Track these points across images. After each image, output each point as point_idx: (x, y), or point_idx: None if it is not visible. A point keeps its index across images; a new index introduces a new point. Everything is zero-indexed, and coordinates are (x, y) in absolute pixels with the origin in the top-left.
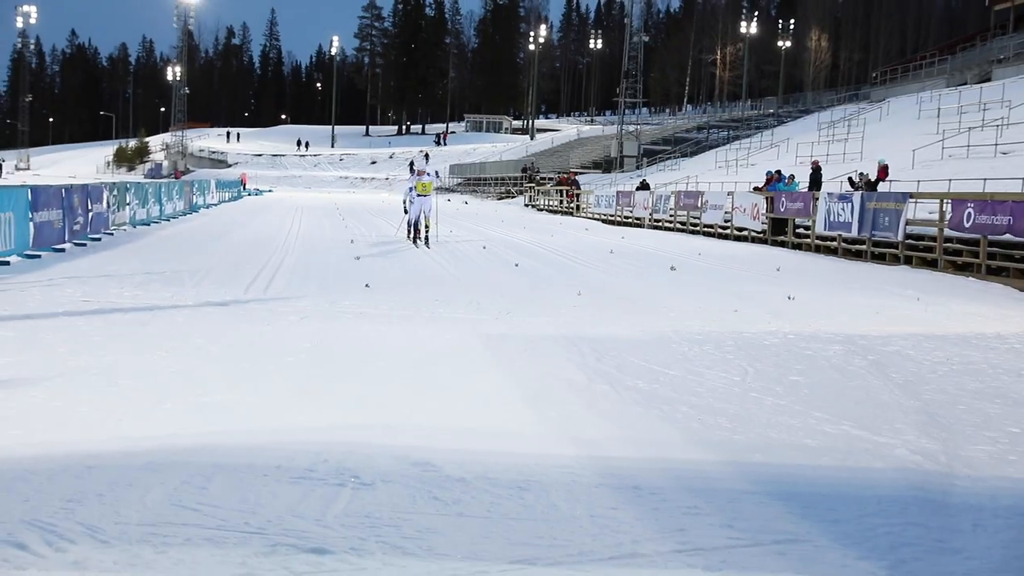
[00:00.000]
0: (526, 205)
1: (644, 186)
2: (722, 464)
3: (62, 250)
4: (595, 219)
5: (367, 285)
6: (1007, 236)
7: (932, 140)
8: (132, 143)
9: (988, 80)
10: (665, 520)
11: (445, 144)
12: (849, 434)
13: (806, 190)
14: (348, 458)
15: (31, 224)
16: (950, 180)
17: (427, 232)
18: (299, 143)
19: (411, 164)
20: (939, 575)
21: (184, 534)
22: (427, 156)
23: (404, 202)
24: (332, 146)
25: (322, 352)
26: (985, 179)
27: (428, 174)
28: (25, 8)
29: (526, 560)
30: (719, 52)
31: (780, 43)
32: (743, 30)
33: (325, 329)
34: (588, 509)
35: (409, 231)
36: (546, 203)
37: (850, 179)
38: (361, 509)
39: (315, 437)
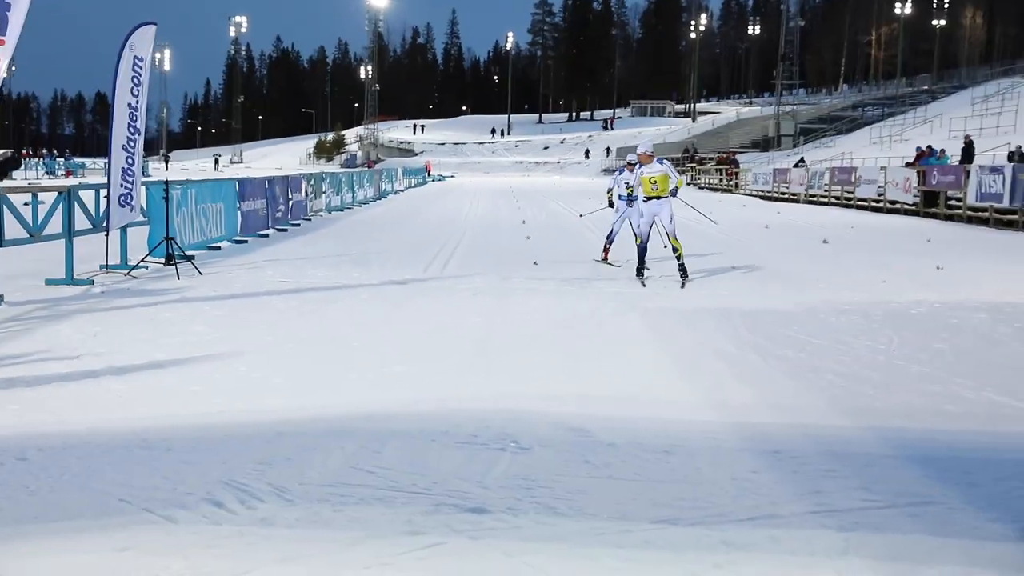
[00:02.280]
0: (688, 184)
1: (801, 163)
2: (862, 429)
3: (266, 235)
4: (753, 196)
5: (535, 263)
6: None
7: None
8: (330, 136)
9: None
10: (803, 483)
11: (612, 129)
12: (991, 400)
13: (958, 164)
14: (509, 424)
15: (239, 213)
16: None
17: (678, 257)
18: (493, 131)
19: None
20: None
21: (359, 494)
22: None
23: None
24: (509, 134)
25: (491, 325)
26: None
27: (658, 161)
28: (237, 18)
29: (668, 520)
30: (874, 32)
31: (934, 21)
32: (897, 10)
33: (495, 304)
34: (730, 472)
35: (607, 250)
36: (707, 181)
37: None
38: (519, 472)
39: (480, 405)
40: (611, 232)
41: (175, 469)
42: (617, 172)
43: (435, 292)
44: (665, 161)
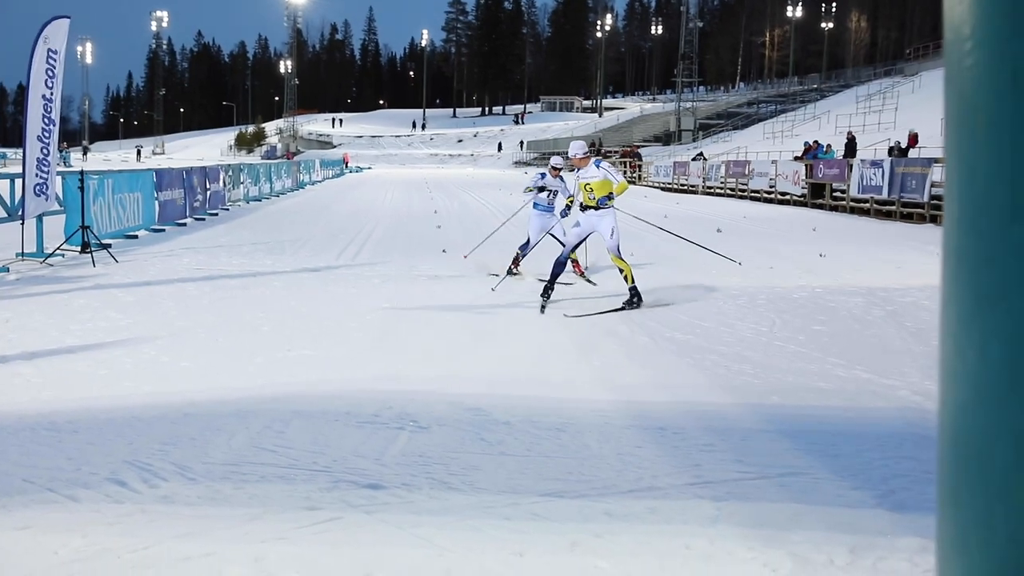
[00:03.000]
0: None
1: (700, 157)
2: (741, 406)
3: (183, 224)
4: (655, 187)
5: (444, 251)
6: None
7: None
8: (251, 129)
9: None
10: (683, 457)
11: (523, 123)
12: (859, 378)
13: (842, 158)
14: (410, 404)
15: (156, 202)
16: None
17: (625, 279)
18: (414, 124)
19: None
20: (923, 502)
21: (260, 472)
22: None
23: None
24: (423, 127)
25: (397, 310)
26: None
27: (595, 164)
28: (159, 13)
29: (555, 493)
30: (768, 34)
31: (823, 24)
32: (789, 13)
33: (402, 289)
34: (616, 448)
35: (517, 261)
36: None
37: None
38: (416, 450)
39: (383, 386)
40: (527, 241)
41: (80, 450)
42: (538, 176)
43: (346, 279)
44: (603, 163)
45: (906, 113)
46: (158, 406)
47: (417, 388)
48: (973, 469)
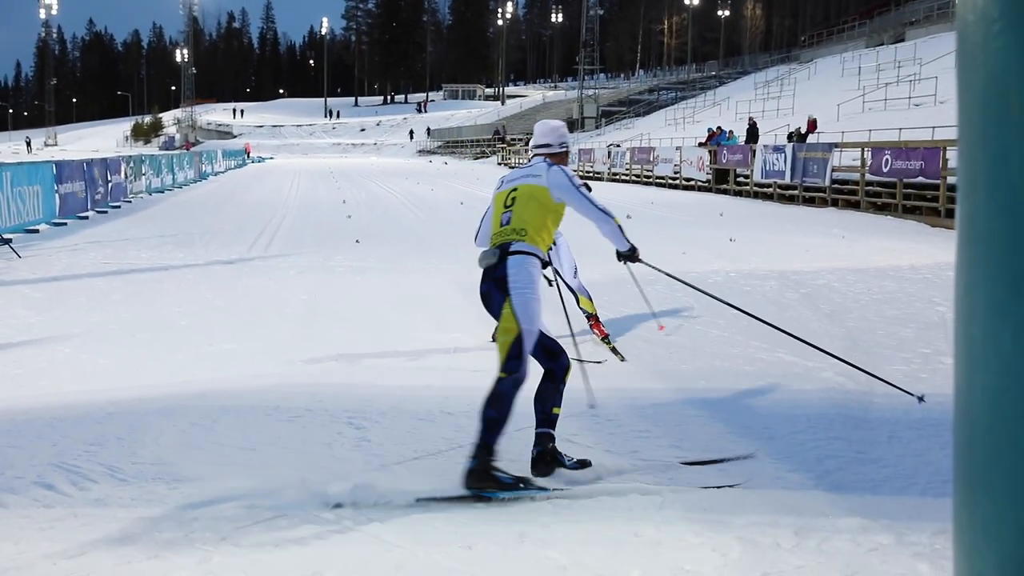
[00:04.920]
0: (499, 163)
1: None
2: (671, 391)
3: (86, 217)
4: None
5: (357, 241)
6: (919, 179)
7: (854, 95)
8: (147, 119)
9: (902, 41)
10: (620, 443)
11: (426, 111)
12: (783, 360)
13: (744, 143)
14: (341, 398)
15: (56, 195)
16: (870, 131)
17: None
18: (328, 113)
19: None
20: (859, 482)
21: (194, 471)
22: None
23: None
24: (338, 115)
25: (317, 302)
26: (900, 129)
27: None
28: (47, 1)
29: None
30: (666, 22)
31: (720, 12)
32: (687, 1)
33: (320, 281)
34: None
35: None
36: (517, 161)
37: (789, 135)
38: (353, 444)
39: (312, 380)
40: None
41: (2, 454)
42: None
43: (260, 271)
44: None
45: (803, 99)
46: (80, 405)
47: (346, 381)
48: (1006, 454)
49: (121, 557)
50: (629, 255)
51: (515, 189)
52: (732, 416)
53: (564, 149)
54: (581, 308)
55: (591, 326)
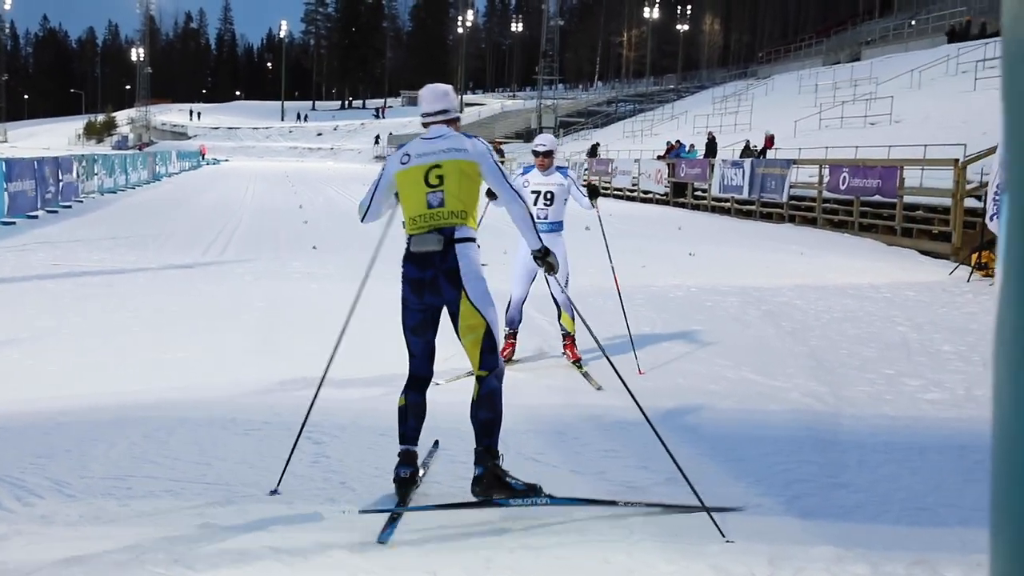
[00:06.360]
0: None
1: (593, 152)
2: (636, 409)
3: (35, 217)
4: None
5: (314, 247)
6: (876, 197)
7: (811, 112)
8: (100, 118)
9: (858, 59)
10: (587, 464)
11: (384, 117)
12: (748, 379)
13: (703, 157)
14: (300, 411)
15: (5, 193)
16: (827, 148)
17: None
18: (298, 116)
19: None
20: (830, 508)
21: (146, 487)
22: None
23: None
24: (282, 120)
25: (274, 309)
26: (857, 147)
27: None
28: None
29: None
30: (625, 34)
31: (678, 26)
32: (646, 15)
33: (276, 287)
34: (518, 454)
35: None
36: None
37: (745, 148)
38: (312, 460)
39: (270, 391)
40: (509, 303)
41: None
42: (521, 171)
43: (215, 276)
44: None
45: (761, 114)
46: (27, 414)
47: (305, 394)
48: None
49: None
50: (542, 257)
51: (438, 166)
52: (699, 437)
53: (458, 115)
54: (560, 323)
55: (564, 346)
